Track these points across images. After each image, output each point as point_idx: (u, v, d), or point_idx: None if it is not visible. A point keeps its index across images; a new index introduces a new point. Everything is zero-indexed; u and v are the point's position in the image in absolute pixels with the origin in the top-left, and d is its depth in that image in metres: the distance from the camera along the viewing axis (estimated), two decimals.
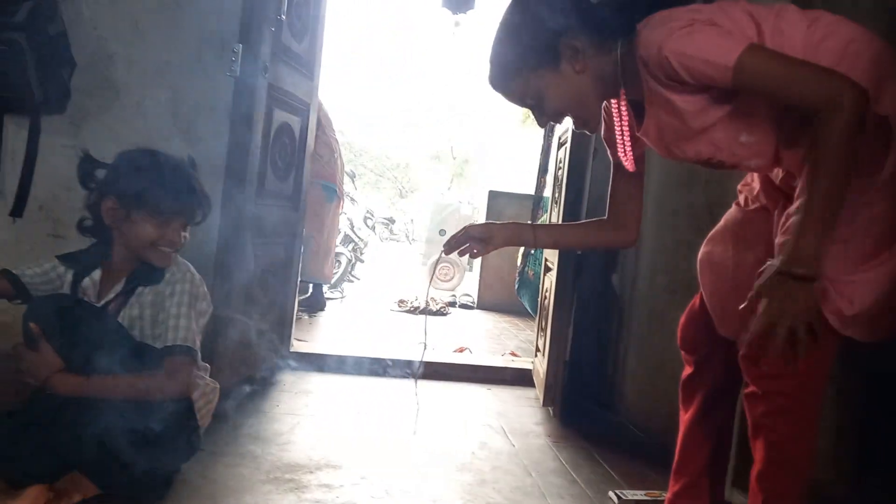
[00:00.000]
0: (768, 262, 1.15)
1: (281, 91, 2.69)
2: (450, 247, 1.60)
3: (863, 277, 1.19)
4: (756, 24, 1.24)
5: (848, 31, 1.23)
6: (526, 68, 1.35)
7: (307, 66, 2.95)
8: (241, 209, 2.47)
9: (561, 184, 3.04)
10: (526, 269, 4.72)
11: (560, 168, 3.17)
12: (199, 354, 1.81)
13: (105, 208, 1.70)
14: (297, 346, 3.41)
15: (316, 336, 4.18)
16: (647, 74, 1.26)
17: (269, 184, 2.68)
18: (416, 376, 2.12)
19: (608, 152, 1.63)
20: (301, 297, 4.93)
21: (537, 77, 1.35)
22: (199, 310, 1.80)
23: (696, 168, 2.48)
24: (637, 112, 1.40)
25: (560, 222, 2.84)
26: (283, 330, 3.09)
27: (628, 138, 1.47)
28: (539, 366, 3.20)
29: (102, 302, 1.73)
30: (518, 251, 4.89)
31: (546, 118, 1.42)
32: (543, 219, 4.37)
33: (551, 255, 3.12)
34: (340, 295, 6.18)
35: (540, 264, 3.88)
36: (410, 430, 2.51)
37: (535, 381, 3.29)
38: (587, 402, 2.91)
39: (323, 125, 4.69)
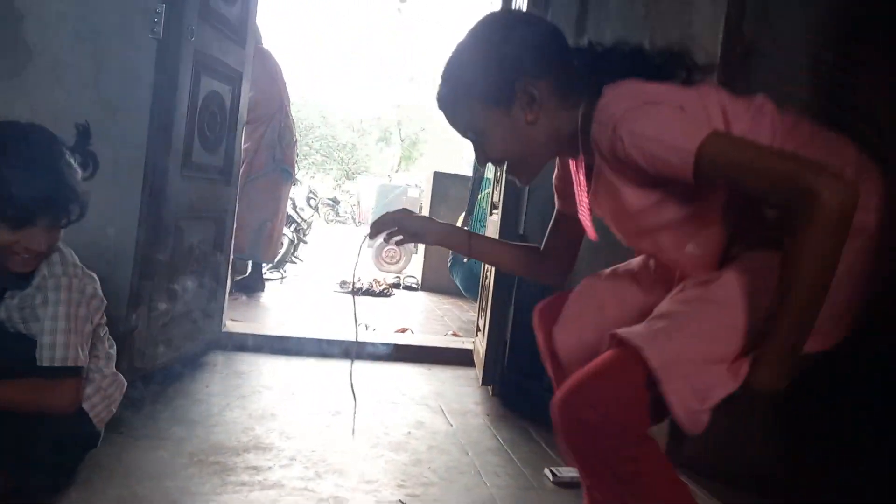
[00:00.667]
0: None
1: (209, 57, 2.55)
2: (376, 229, 1.48)
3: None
4: (727, 122, 1.10)
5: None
6: (475, 100, 1.23)
7: (238, 33, 2.81)
8: (164, 183, 2.33)
9: None
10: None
11: None
12: (85, 367, 1.55)
13: None
14: (231, 325, 3.28)
15: (253, 316, 4.05)
16: (598, 152, 1.12)
17: (196, 156, 2.54)
18: (351, 362, 2.03)
19: (555, 198, 1.47)
20: (239, 277, 4.78)
21: (485, 113, 1.23)
22: (82, 315, 1.52)
23: None
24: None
25: (497, 239, 2.59)
26: (214, 309, 2.97)
27: (585, 202, 1.32)
28: (479, 345, 3.18)
29: None
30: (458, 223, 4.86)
31: (485, 158, 1.29)
32: (482, 196, 4.33)
33: (493, 234, 3.08)
34: (281, 276, 6.03)
35: None
36: (344, 412, 2.44)
37: (476, 361, 3.26)
38: (527, 381, 2.90)
39: (285, 103, 4.58)
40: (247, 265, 4.86)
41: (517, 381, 2.90)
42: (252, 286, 4.86)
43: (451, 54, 1.26)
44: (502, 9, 1.37)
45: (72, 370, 1.47)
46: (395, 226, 1.49)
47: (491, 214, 3.27)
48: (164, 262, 2.41)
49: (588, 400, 1.05)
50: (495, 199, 3.17)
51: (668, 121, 1.03)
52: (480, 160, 1.33)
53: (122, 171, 2.33)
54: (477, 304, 3.53)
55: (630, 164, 1.05)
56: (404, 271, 7.56)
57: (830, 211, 0.89)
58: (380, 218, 1.51)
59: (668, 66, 1.19)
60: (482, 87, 1.21)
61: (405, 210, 1.53)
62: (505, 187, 2.91)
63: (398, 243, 1.52)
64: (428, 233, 1.50)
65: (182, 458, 1.88)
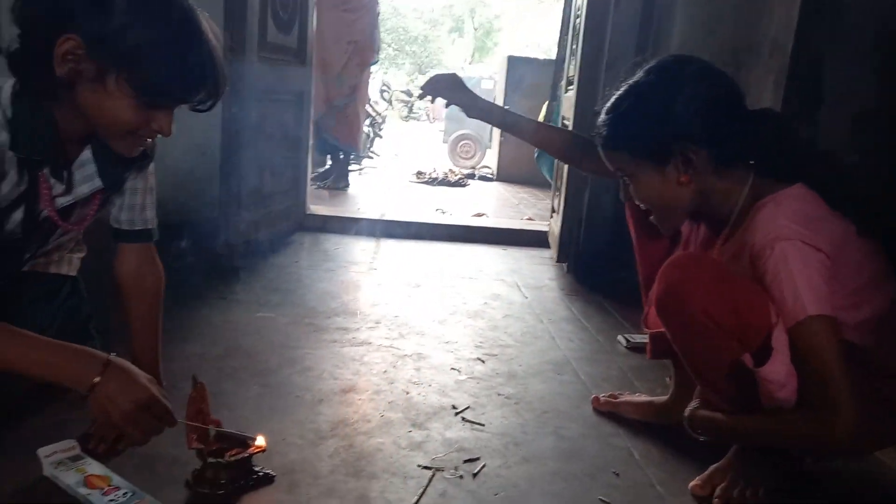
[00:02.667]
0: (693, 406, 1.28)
1: None
2: (427, 89, 1.60)
3: None
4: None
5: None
6: (633, 149, 1.22)
7: None
8: (242, 65, 2.41)
9: (578, 34, 2.89)
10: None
11: (578, 17, 3.00)
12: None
13: (61, 50, 0.98)
14: (315, 209, 3.44)
15: (336, 202, 4.22)
16: (748, 242, 1.14)
17: (271, 37, 2.58)
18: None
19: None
20: (321, 170, 4.92)
21: (638, 162, 1.22)
22: None
23: (722, 10, 2.35)
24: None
25: (543, 122, 2.61)
26: (298, 191, 3.11)
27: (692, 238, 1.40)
28: (555, 225, 3.20)
29: (70, 199, 1.20)
30: (539, 116, 4.76)
31: (629, 195, 1.30)
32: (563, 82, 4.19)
33: (568, 114, 3.02)
34: (359, 168, 6.16)
35: None
36: (424, 286, 2.57)
37: (550, 241, 3.30)
38: (602, 259, 2.93)
39: None
40: (326, 158, 4.95)
41: (591, 257, 2.93)
42: (337, 179, 4.91)
43: (622, 92, 1.23)
44: (682, 56, 1.29)
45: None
46: (443, 87, 1.59)
47: (566, 91, 3.19)
48: (248, 143, 2.53)
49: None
50: (570, 73, 3.08)
51: (811, 277, 1.07)
52: (624, 196, 1.33)
53: None
54: (552, 189, 3.52)
55: (758, 269, 1.11)
56: (479, 164, 7.55)
57: (832, 440, 1.05)
58: (431, 79, 1.61)
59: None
60: (643, 140, 1.20)
61: (455, 76, 1.61)
62: (581, 61, 2.82)
63: (445, 105, 1.62)
64: (467, 104, 1.60)
65: (279, 319, 2.05)
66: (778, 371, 1.09)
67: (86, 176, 1.20)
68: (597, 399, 1.62)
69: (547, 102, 4.66)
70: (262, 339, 1.87)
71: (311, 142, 3.22)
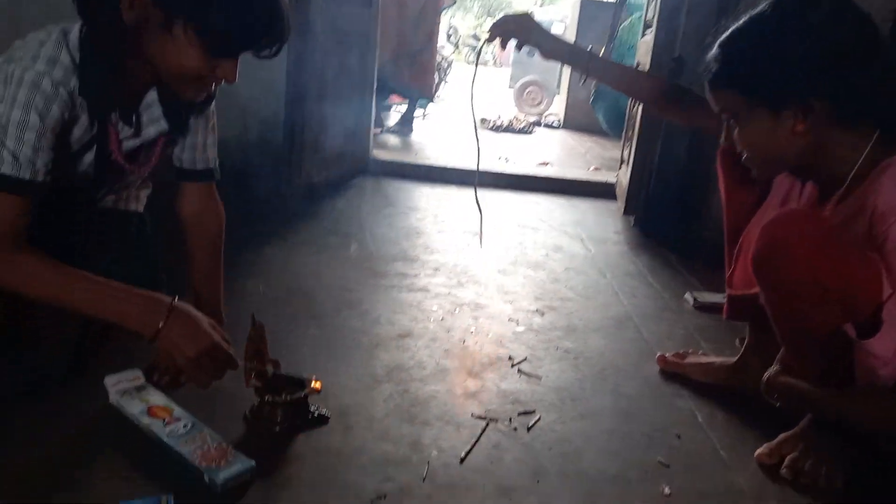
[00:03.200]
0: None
1: None
2: (496, 31, 1.47)
3: None
4: None
5: None
6: (747, 91, 1.09)
7: None
8: (307, 8, 2.36)
9: None
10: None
11: None
12: None
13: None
14: (378, 153, 3.42)
15: (397, 147, 4.18)
16: (872, 205, 1.02)
17: None
18: (475, 185, 2.06)
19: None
20: (386, 113, 4.87)
21: (751, 106, 1.10)
22: None
23: None
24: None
25: (628, 66, 2.23)
26: (361, 135, 3.08)
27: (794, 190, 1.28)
28: (623, 177, 3.08)
29: (137, 142, 1.21)
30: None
31: (730, 139, 1.18)
32: (628, 22, 3.97)
33: (644, 58, 2.86)
34: (423, 113, 6.08)
35: None
36: (484, 234, 2.52)
37: (618, 194, 3.19)
38: (671, 212, 2.80)
39: None
40: (390, 104, 4.87)
41: (660, 211, 2.81)
42: (403, 125, 4.85)
43: (740, 25, 1.10)
44: None
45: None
46: (515, 28, 1.45)
47: (643, 34, 3.01)
48: (311, 86, 2.51)
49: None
50: (649, 16, 2.89)
51: None
52: (726, 139, 1.20)
53: None
54: (621, 141, 3.38)
55: (877, 234, 1.00)
56: (546, 111, 7.33)
57: None
58: (500, 19, 1.47)
59: None
60: (761, 81, 1.07)
61: (528, 15, 1.47)
62: (660, 3, 2.64)
63: (517, 47, 1.48)
64: (546, 45, 1.45)
65: (339, 262, 2.06)
66: (886, 347, 0.99)
67: (152, 118, 1.21)
68: (662, 358, 1.56)
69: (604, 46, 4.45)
70: (320, 282, 1.88)
71: (375, 85, 3.17)
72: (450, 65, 7.87)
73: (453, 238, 2.45)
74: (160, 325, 1.05)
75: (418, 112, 6.02)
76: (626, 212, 2.86)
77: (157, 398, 1.19)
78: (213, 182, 1.39)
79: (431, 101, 5.36)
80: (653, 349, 1.65)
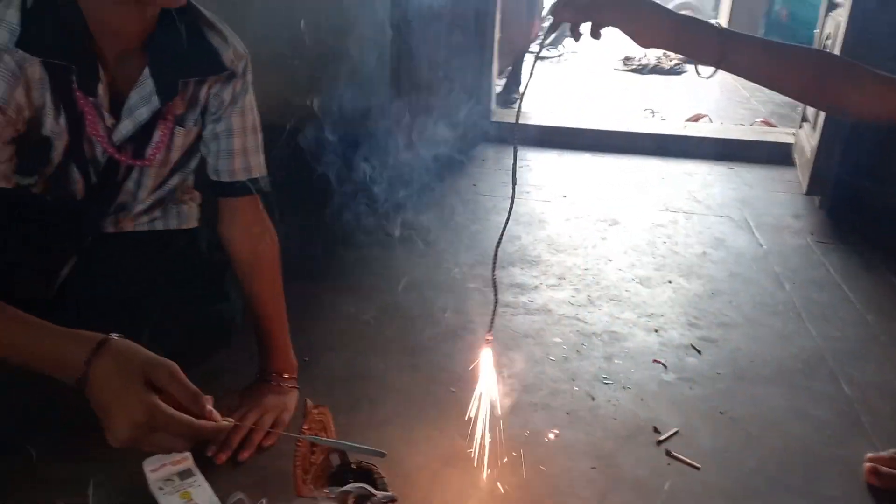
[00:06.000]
0: None
1: None
2: (561, 15, 0.90)
3: None
4: None
5: None
6: None
7: None
8: None
9: None
10: (776, 6, 3.62)
11: None
12: None
13: None
14: (500, 114, 3.01)
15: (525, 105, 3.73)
16: None
17: None
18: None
19: None
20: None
21: None
22: None
23: None
24: None
25: (785, 43, 1.46)
26: (481, 98, 2.70)
27: None
28: (805, 140, 2.46)
29: (130, 128, 0.95)
30: None
31: None
32: None
33: (836, 38, 2.19)
34: (557, 54, 5.50)
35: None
36: (623, 222, 2.08)
37: (797, 160, 2.57)
38: (874, 190, 2.17)
39: None
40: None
41: (858, 189, 2.18)
42: (510, 88, 4.12)
43: None
44: None
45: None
46: (589, 4, 0.89)
47: (828, 12, 2.33)
48: (423, 49, 2.16)
49: None
50: None
51: None
52: None
53: None
54: None
55: None
56: None
57: None
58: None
59: None
60: None
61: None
62: None
63: (593, 34, 0.92)
64: (640, 27, 0.88)
65: (445, 266, 1.74)
66: None
67: (143, 97, 0.94)
68: (873, 471, 1.05)
69: None
70: (421, 299, 1.57)
71: (496, 37, 2.74)
72: None
73: (583, 228, 2.04)
74: (84, 364, 0.73)
75: (552, 52, 5.44)
76: (810, 190, 2.27)
77: (202, 493, 0.95)
78: (258, 196, 1.11)
79: (532, 49, 4.40)
80: (859, 418, 1.19)
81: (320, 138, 1.81)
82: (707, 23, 0.94)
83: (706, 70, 0.93)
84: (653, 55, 5.20)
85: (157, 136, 0.99)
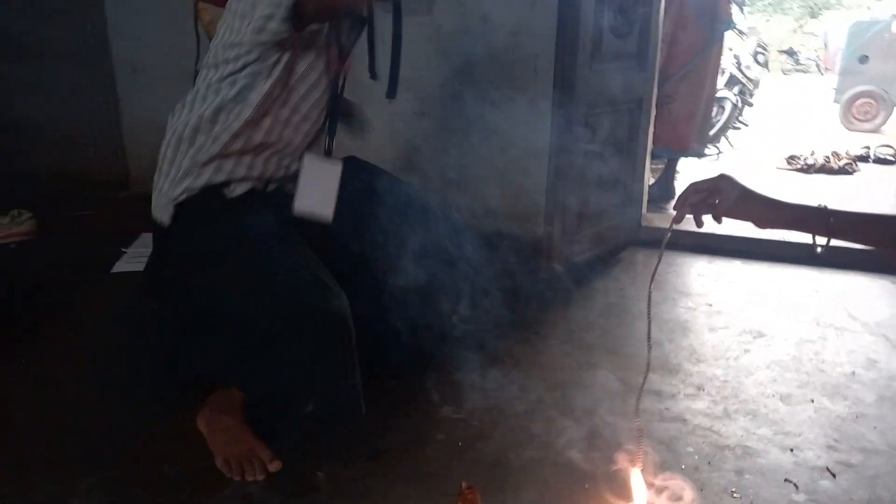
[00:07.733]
0: None
1: None
2: (682, 206, 1.19)
3: None
4: None
5: None
6: None
7: None
8: (574, 79, 2.28)
9: None
10: None
11: None
12: None
13: None
14: (651, 219, 3.16)
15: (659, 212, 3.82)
16: None
17: (606, 45, 2.38)
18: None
19: None
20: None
21: None
22: None
23: None
24: None
25: None
26: (632, 203, 2.87)
27: None
28: None
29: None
30: None
31: None
32: None
33: None
34: (717, 151, 5.50)
35: None
36: (770, 335, 2.13)
37: None
38: None
39: None
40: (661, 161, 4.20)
41: None
42: (663, 193, 3.84)
43: None
44: None
45: None
46: (710, 196, 1.16)
47: None
48: (577, 159, 2.40)
49: None
50: None
51: None
52: None
53: (536, 69, 2.45)
54: None
55: None
56: (881, 132, 6.06)
57: None
58: (687, 188, 1.19)
59: None
60: None
61: (726, 177, 1.16)
62: None
63: (716, 219, 1.18)
64: (758, 211, 1.13)
65: (587, 369, 1.91)
66: None
67: None
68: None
69: None
70: (564, 399, 1.75)
71: (649, 148, 2.93)
72: (756, 84, 7.00)
73: (727, 339, 2.11)
74: None
75: (712, 150, 5.46)
76: None
77: None
78: None
79: (693, 155, 4.24)
80: None
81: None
82: (812, 207, 1.13)
83: (821, 240, 1.10)
84: (820, 154, 5.05)
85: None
